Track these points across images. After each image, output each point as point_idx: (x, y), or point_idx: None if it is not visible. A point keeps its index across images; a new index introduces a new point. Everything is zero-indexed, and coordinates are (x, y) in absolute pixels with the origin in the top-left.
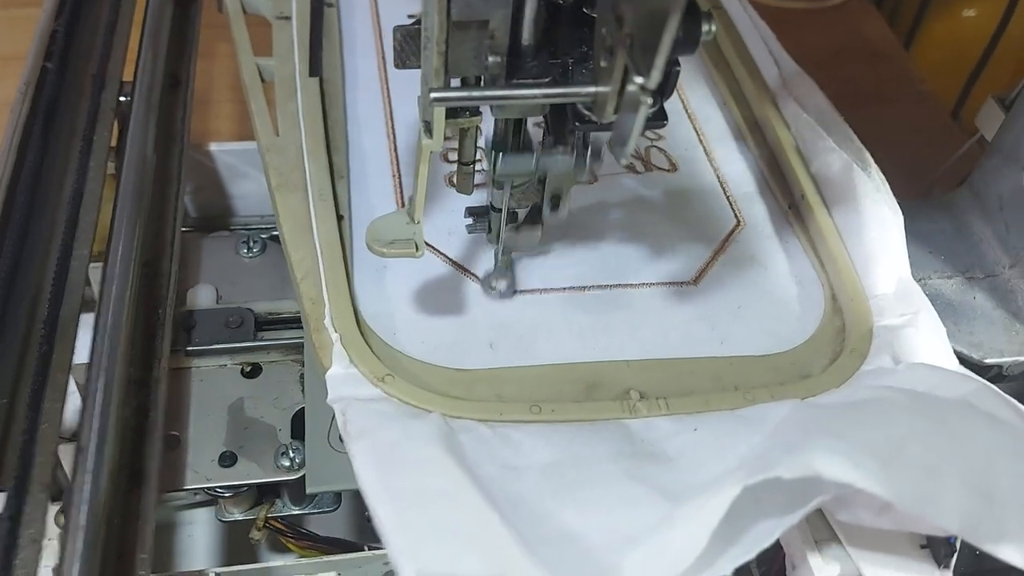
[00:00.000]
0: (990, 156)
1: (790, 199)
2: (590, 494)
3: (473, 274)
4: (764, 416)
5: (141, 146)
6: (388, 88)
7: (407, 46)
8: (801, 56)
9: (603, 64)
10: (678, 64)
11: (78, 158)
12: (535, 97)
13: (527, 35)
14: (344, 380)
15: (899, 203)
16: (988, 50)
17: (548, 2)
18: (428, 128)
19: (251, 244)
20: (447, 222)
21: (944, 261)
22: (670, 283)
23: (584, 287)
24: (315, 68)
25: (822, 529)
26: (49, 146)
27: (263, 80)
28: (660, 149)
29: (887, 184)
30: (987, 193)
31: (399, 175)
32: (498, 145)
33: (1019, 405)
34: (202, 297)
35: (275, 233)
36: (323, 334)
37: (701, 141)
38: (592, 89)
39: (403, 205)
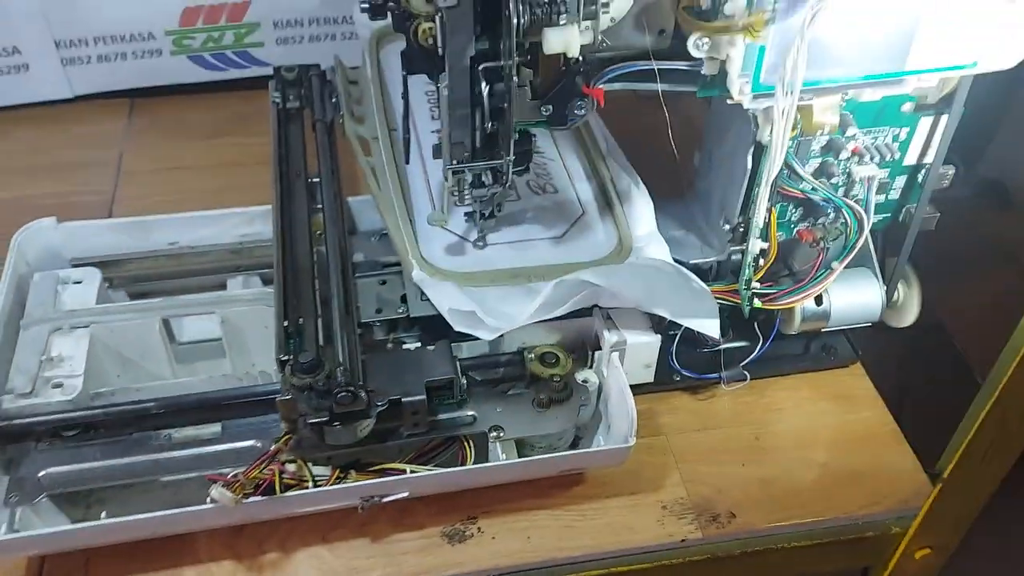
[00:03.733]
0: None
1: (606, 198)
2: (514, 302)
3: (465, 238)
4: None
5: (332, 202)
6: (424, 161)
7: (436, 152)
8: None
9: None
10: (530, 145)
11: (306, 208)
12: (481, 165)
13: (477, 143)
14: (419, 275)
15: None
16: None
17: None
18: (445, 178)
19: (377, 237)
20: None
21: (679, 224)
22: (550, 238)
23: (514, 241)
24: (407, 158)
25: (609, 324)
26: (294, 204)
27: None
28: (550, 184)
29: (646, 190)
30: (699, 194)
31: (432, 200)
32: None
33: (679, 268)
34: (359, 257)
35: (384, 232)
36: (408, 260)
37: (568, 175)
38: (500, 162)
39: (432, 206)
